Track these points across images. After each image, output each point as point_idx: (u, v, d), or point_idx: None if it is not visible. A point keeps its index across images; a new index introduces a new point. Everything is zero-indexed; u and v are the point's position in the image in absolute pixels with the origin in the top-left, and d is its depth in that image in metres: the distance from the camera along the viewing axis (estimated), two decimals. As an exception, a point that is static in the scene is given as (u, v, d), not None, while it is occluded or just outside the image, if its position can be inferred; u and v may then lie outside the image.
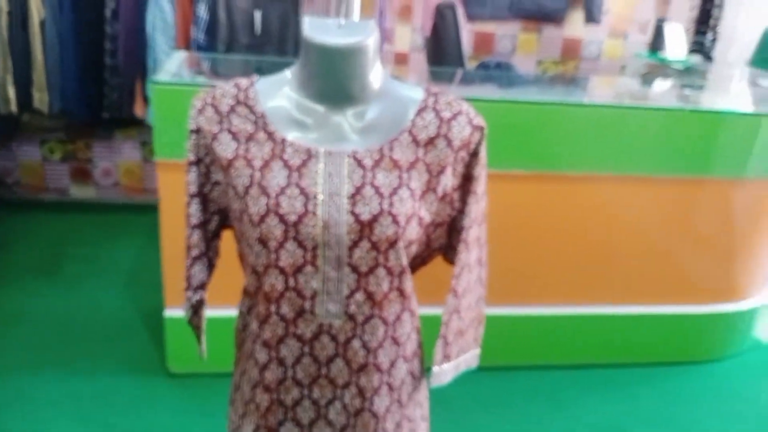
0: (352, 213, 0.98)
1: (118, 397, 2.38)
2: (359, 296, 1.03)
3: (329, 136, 1.02)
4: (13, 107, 3.52)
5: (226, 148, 1.03)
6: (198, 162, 1.07)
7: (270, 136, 1.01)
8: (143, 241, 3.71)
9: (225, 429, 1.28)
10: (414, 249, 1.06)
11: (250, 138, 1.02)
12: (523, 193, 2.42)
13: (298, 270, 1.01)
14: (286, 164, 1.00)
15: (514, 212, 2.45)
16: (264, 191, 0.99)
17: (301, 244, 0.99)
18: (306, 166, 0.99)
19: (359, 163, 1.00)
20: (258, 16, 3.61)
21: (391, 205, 0.99)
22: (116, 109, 3.65)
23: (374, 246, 1.00)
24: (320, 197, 0.98)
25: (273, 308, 1.04)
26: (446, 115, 1.04)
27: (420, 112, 1.03)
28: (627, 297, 2.66)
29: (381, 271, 1.01)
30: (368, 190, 0.99)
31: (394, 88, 1.05)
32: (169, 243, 2.30)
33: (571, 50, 4.24)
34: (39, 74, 3.51)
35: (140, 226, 3.84)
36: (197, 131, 1.05)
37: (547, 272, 2.58)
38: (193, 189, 1.08)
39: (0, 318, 2.84)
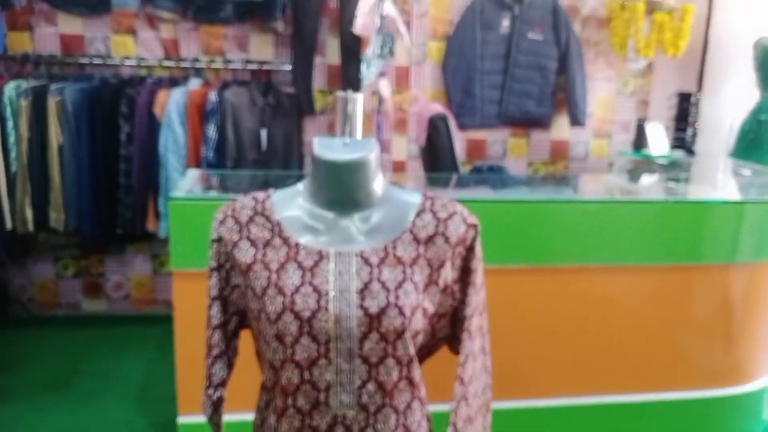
0: (361, 307, 1.08)
1: None
2: (371, 386, 1.10)
3: (338, 239, 1.13)
4: (30, 227, 3.68)
5: (245, 254, 1.14)
6: (219, 268, 1.18)
7: (285, 241, 1.13)
8: (153, 353, 3.75)
9: None
10: (420, 339, 1.15)
11: (267, 244, 1.13)
12: (520, 287, 2.51)
13: (313, 363, 1.09)
14: (299, 265, 1.11)
15: (512, 305, 2.53)
16: (280, 291, 1.09)
17: (315, 339, 1.08)
18: (318, 266, 1.10)
19: (366, 261, 1.11)
20: (264, 134, 3.85)
21: (397, 297, 1.09)
22: (130, 226, 3.80)
23: (383, 337, 1.08)
24: (332, 293, 1.08)
25: (290, 401, 1.11)
26: (442, 215, 1.16)
27: (419, 213, 1.16)
28: (629, 385, 2.68)
29: (390, 361, 1.10)
30: (375, 285, 1.09)
31: (395, 194, 1.18)
32: (183, 349, 2.36)
33: (559, 151, 4.46)
34: (56, 195, 3.70)
35: (150, 338, 3.90)
36: (219, 240, 1.17)
37: (547, 363, 2.62)
38: (215, 292, 1.18)
39: (10, 436, 2.84)
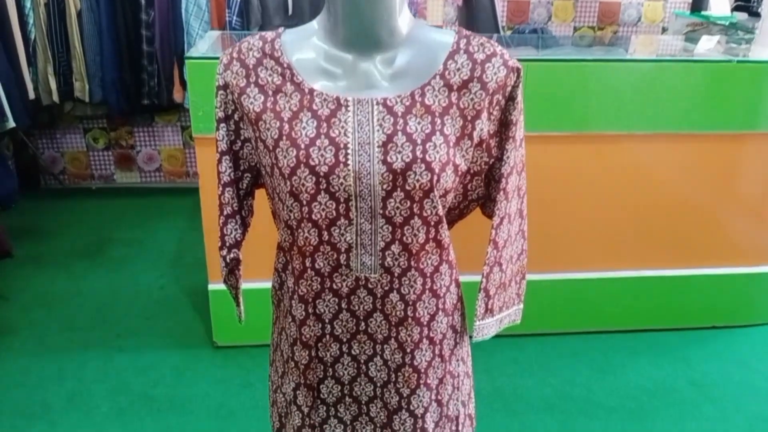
0: (384, 162, 0.96)
1: (163, 370, 2.43)
2: (395, 248, 1.01)
3: (358, 84, 0.99)
4: (55, 97, 3.60)
5: (254, 101, 1.01)
6: (227, 118, 1.06)
7: (297, 87, 1.00)
8: (186, 223, 3.77)
9: (267, 399, 1.28)
10: (450, 199, 1.04)
11: (277, 90, 1.00)
12: (561, 156, 2.36)
13: (332, 223, 1.00)
14: (314, 115, 0.98)
15: (553, 175, 2.39)
16: (294, 143, 0.98)
17: (333, 197, 0.98)
18: (335, 116, 0.98)
19: (390, 110, 0.97)
20: (290, -5, 3.60)
21: (424, 152, 0.96)
22: (155, 96, 3.70)
23: (408, 196, 0.97)
24: (351, 147, 0.96)
25: (308, 263, 1.03)
26: (479, 57, 1.00)
27: (451, 55, 1.00)
28: (674, 259, 2.58)
29: (416, 222, 0.99)
30: (400, 138, 0.96)
31: (424, 33, 1.02)
32: (210, 217, 2.32)
33: (608, 14, 4.11)
34: (78, 64, 3.58)
35: (182, 209, 3.91)
36: (224, 87, 1.04)
37: (589, 236, 2.52)
38: (223, 146, 1.07)
39: (47, 300, 2.93)
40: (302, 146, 0.97)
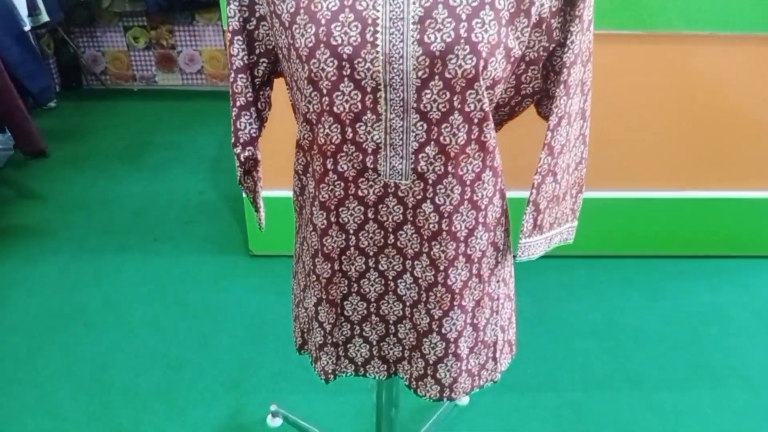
0: (421, 42, 0.79)
1: (199, 276, 2.39)
2: (430, 150, 0.85)
3: None
4: (92, -9, 3.46)
5: None
6: None
7: None
8: (226, 128, 3.66)
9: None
10: (499, 92, 0.87)
11: None
12: (626, 58, 2.11)
13: (357, 118, 0.84)
14: None
15: (615, 80, 2.15)
16: (312, 18, 0.81)
17: (358, 85, 0.82)
18: None
19: None
20: None
21: (470, 30, 0.78)
22: (193, -9, 3.52)
23: (448, 85, 0.81)
24: (380, 23, 0.79)
25: (329, 164, 0.88)
26: None
27: None
28: (740, 181, 2.34)
29: (457, 118, 0.83)
30: (440, 12, 0.79)
31: None
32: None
33: None
34: (114, -45, 3.40)
35: (224, 113, 3.80)
36: None
37: (651, 151, 2.29)
38: (235, 24, 0.91)
39: (85, 202, 2.90)
40: (322, 22, 0.80)
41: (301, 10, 0.82)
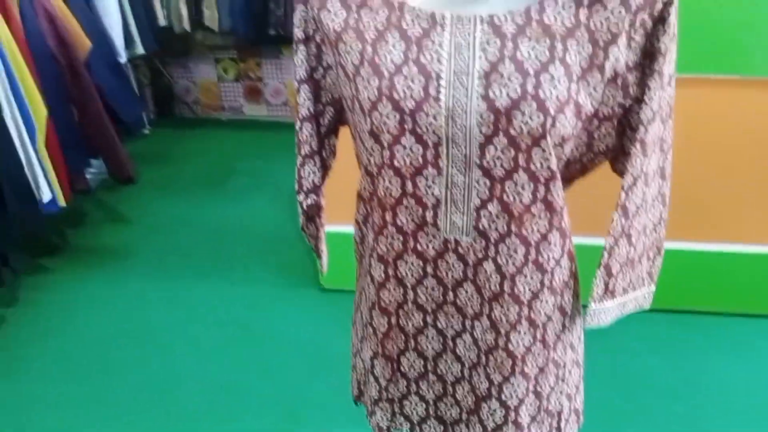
0: (485, 98, 0.76)
1: (269, 306, 2.41)
2: (492, 208, 0.81)
3: None
4: (186, 25, 3.63)
5: (334, 18, 0.84)
6: (306, 40, 0.89)
7: None
8: (305, 158, 3.73)
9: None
10: (569, 149, 0.82)
11: (362, 4, 0.82)
12: (719, 103, 1.98)
13: (418, 172, 0.82)
14: (403, 35, 0.79)
15: (706, 125, 2.02)
16: (376, 71, 0.79)
17: (420, 139, 0.79)
18: (428, 37, 0.78)
19: (497, 30, 0.76)
20: None
21: (537, 86, 0.74)
22: (281, 26, 3.63)
23: (513, 142, 0.77)
24: (444, 77, 0.76)
25: (389, 217, 0.86)
26: None
27: None
28: None
29: (521, 177, 0.79)
30: (507, 67, 0.75)
31: None
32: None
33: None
34: (208, -9, 3.57)
35: (303, 144, 3.86)
36: (305, 1, 0.87)
37: (739, 202, 2.13)
38: (302, 73, 0.91)
39: (168, 226, 3.00)
40: (386, 75, 0.78)
41: (366, 63, 0.81)
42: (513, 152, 0.77)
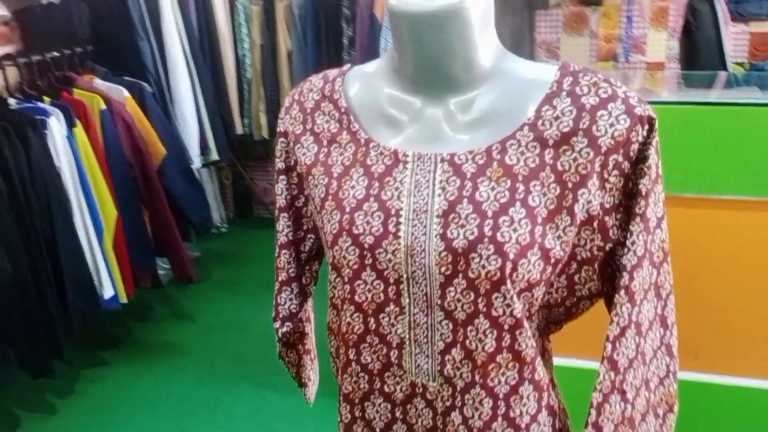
0: (443, 237, 0.72)
1: (309, 418, 2.34)
2: (456, 353, 0.75)
3: (424, 135, 0.77)
4: (265, 133, 3.84)
5: (306, 152, 0.84)
6: (287, 170, 0.90)
7: (354, 136, 0.80)
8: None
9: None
10: (539, 295, 0.75)
11: (332, 140, 0.82)
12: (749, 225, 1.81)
13: (380, 309, 0.77)
14: (367, 171, 0.77)
15: (726, 253, 1.84)
16: (339, 205, 0.78)
17: (381, 276, 0.76)
18: (390, 174, 0.76)
19: (457, 169, 0.73)
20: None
21: (495, 228, 0.70)
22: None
23: (472, 285, 0.71)
24: (403, 215, 0.74)
25: (352, 354, 0.81)
26: (589, 101, 0.71)
27: (549, 98, 0.73)
28: None
29: (483, 322, 0.73)
30: (465, 207, 0.71)
31: (516, 68, 0.76)
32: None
33: None
34: (288, 102, 3.78)
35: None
36: (284, 134, 0.88)
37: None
38: (282, 202, 0.91)
39: (226, 326, 3.04)
40: (347, 209, 0.77)
41: (330, 197, 0.79)
42: (472, 296, 0.72)
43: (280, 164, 0.89)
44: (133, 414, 2.40)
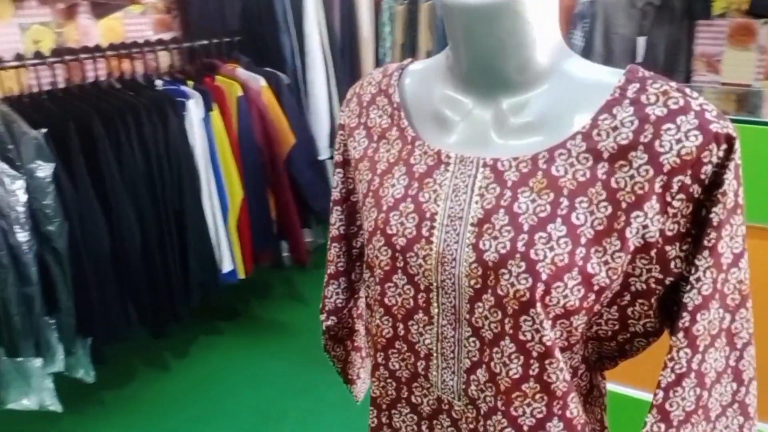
0: (475, 248, 0.67)
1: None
2: (481, 374, 0.70)
3: (471, 137, 0.72)
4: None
5: (357, 146, 0.82)
6: (344, 163, 0.88)
7: (401, 132, 0.77)
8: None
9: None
10: (580, 324, 0.67)
11: (382, 135, 0.79)
12: None
13: (409, 315, 0.74)
14: (409, 170, 0.74)
15: None
16: (377, 203, 0.75)
17: (411, 280, 0.72)
18: (431, 176, 0.72)
19: (498, 176, 0.67)
20: (641, 42, 3.19)
21: (529, 244, 0.63)
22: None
23: (500, 303, 0.66)
24: (438, 219, 0.69)
25: (380, 359, 0.78)
26: (655, 111, 0.63)
27: (609, 105, 0.65)
28: None
29: (508, 345, 0.66)
30: (501, 218, 0.66)
31: (577, 70, 0.69)
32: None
33: None
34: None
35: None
36: (342, 126, 0.87)
37: None
38: (337, 195, 0.90)
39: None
40: (384, 208, 0.74)
41: (371, 193, 0.77)
42: (500, 315, 0.66)
43: (337, 157, 0.88)
44: (238, 387, 2.52)
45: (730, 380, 0.68)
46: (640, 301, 0.68)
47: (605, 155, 0.64)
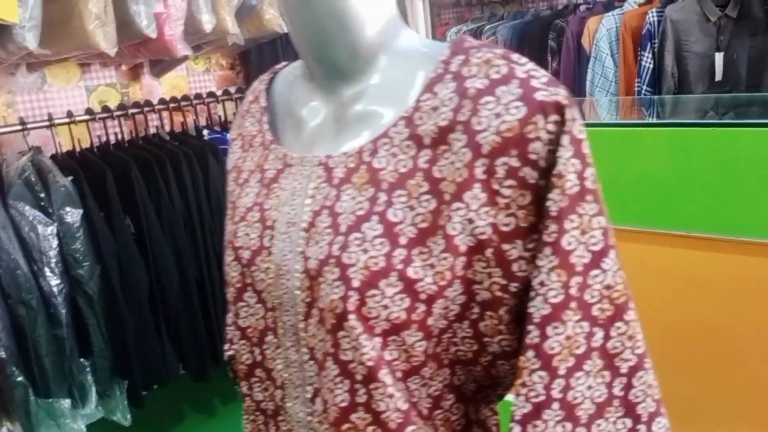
0: (303, 256, 0.59)
1: None
2: (318, 404, 0.61)
3: (316, 135, 0.65)
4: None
5: (231, 157, 0.77)
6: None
7: (263, 137, 0.71)
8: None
9: None
10: (417, 342, 0.56)
11: (250, 143, 0.74)
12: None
13: (261, 338, 0.66)
14: (262, 177, 0.68)
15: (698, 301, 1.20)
16: (233, 215, 0.70)
17: (260, 298, 0.65)
18: (277, 180, 0.65)
19: (329, 174, 0.60)
20: (719, 59, 2.92)
21: (343, 248, 0.55)
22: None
23: (321, 319, 0.57)
24: (278, 227, 0.62)
25: (245, 388, 0.71)
26: (475, 84, 0.53)
27: (433, 82, 0.56)
28: None
29: (331, 368, 0.57)
30: (324, 220, 0.58)
31: (409, 47, 0.60)
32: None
33: None
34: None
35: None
36: (233, 140, 0.82)
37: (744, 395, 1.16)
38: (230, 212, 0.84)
39: None
40: (236, 219, 0.68)
41: (230, 205, 0.71)
42: (323, 333, 0.57)
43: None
44: None
45: (620, 415, 0.55)
46: (489, 313, 0.56)
47: (426, 141, 0.55)
